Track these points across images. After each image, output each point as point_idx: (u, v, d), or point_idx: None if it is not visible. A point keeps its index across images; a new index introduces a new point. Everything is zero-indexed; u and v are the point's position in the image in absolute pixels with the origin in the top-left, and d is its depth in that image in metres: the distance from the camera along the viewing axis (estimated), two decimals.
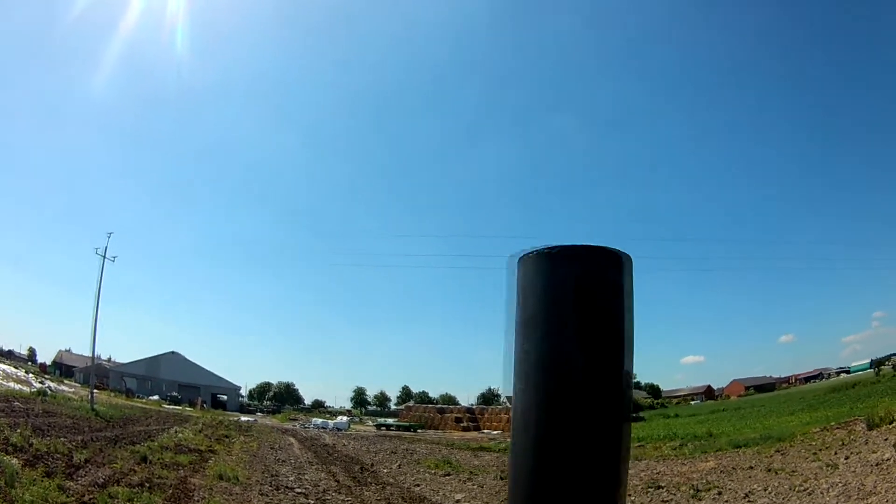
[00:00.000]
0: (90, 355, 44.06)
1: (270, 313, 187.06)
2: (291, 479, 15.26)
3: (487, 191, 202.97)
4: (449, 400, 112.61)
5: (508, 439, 1.10)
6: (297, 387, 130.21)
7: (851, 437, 16.35)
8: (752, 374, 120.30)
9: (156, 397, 69.64)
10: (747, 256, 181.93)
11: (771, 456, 15.97)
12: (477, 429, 66.35)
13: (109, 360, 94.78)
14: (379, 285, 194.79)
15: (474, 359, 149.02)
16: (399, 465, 20.62)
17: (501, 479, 16.14)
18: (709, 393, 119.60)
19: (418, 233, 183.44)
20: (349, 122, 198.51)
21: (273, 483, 14.11)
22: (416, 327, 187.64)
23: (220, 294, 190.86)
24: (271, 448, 25.08)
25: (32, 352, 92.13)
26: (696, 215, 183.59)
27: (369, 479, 16.40)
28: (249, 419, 56.92)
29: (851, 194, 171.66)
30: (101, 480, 10.46)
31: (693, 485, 13.16)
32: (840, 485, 11.25)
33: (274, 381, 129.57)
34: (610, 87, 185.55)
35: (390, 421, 71.69)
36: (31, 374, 50.15)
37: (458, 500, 13.20)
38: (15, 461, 10.24)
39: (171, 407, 60.09)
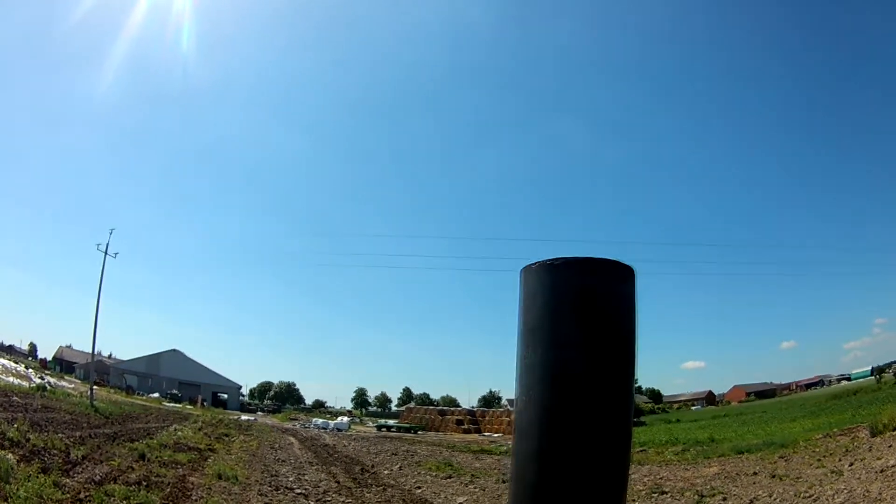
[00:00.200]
0: (91, 351, 44.10)
1: (272, 313, 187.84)
2: (291, 479, 15.15)
3: (491, 193, 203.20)
4: (450, 402, 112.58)
5: (510, 443, 1.11)
6: (298, 386, 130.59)
7: (855, 443, 16.20)
8: (752, 380, 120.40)
9: (156, 395, 69.71)
10: (749, 262, 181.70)
11: (775, 462, 15.83)
12: (478, 431, 66.20)
13: (110, 356, 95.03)
14: (382, 286, 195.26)
15: (476, 361, 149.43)
16: (400, 467, 20.49)
17: (503, 482, 15.99)
18: (710, 398, 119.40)
19: (421, 234, 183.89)
20: (353, 123, 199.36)
21: (273, 483, 13.99)
22: (418, 329, 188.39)
23: (223, 293, 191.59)
24: (271, 447, 24.98)
25: (33, 347, 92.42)
26: (697, 220, 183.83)
27: (370, 481, 16.28)
28: (250, 418, 56.88)
29: (853, 200, 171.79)
30: (98, 478, 10.34)
31: (697, 490, 13.02)
32: (845, 491, 11.10)
33: (275, 381, 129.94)
34: (614, 89, 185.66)
35: (391, 422, 71.59)
36: (30, 370, 50.18)
37: (459, 503, 13.07)
38: (11, 456, 10.10)
39: (172, 405, 60.07)
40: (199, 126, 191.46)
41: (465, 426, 69.69)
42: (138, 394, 67.34)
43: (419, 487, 15.57)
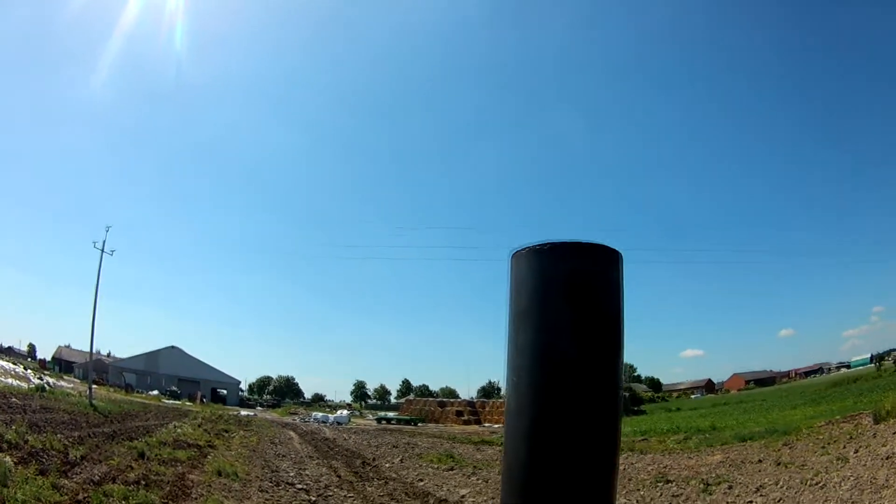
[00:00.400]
0: (89, 350, 43.88)
1: (270, 307, 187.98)
2: (292, 474, 15.03)
3: (488, 183, 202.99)
4: (449, 393, 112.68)
5: None
6: (297, 381, 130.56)
7: (859, 430, 16.10)
8: (751, 368, 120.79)
9: (155, 392, 69.57)
10: (747, 250, 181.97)
11: (779, 449, 15.72)
12: (478, 422, 66.30)
13: (109, 355, 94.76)
14: (379, 279, 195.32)
15: (475, 352, 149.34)
16: (401, 460, 20.39)
17: None
18: (709, 387, 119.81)
19: (418, 224, 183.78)
20: (347, 117, 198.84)
21: (273, 479, 13.87)
22: (416, 321, 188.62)
23: (220, 288, 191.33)
24: (271, 442, 24.88)
25: (32, 348, 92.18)
26: (695, 209, 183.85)
27: (371, 474, 16.17)
28: (249, 413, 56.87)
29: (851, 189, 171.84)
30: (97, 478, 10.19)
31: (702, 479, 12.91)
32: (852, 478, 11.01)
33: (274, 376, 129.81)
34: (608, 83, 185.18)
35: (391, 414, 71.73)
36: (29, 371, 49.91)
37: (463, 496, 12.94)
38: (8, 459, 9.94)
39: (171, 401, 59.99)
40: (195, 123, 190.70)
41: (466, 417, 69.81)
42: (137, 391, 67.16)
43: (421, 480, 15.46)
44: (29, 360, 74.36)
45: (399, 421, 62.55)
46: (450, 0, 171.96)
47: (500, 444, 28.41)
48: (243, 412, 57.31)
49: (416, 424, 59.00)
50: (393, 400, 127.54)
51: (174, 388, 76.44)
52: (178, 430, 22.65)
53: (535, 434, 1.05)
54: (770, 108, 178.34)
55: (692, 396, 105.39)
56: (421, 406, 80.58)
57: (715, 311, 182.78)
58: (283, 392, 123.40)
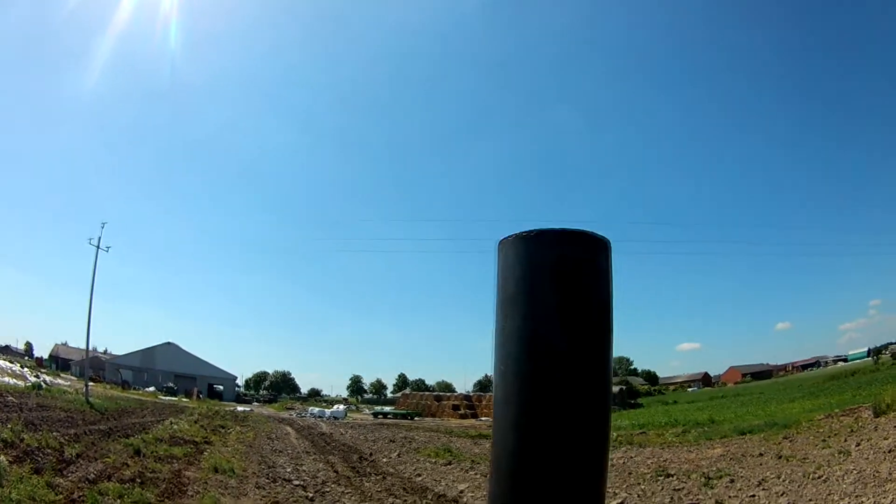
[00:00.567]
0: (85, 348, 43.68)
1: (266, 303, 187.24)
2: (289, 470, 14.90)
3: (484, 176, 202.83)
4: (446, 387, 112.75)
5: None
6: (293, 376, 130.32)
7: (859, 423, 16.08)
8: (748, 361, 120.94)
9: (152, 388, 69.21)
10: (744, 243, 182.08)
11: (779, 443, 15.68)
12: (474, 416, 66.25)
13: (105, 352, 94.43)
14: (374, 273, 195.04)
15: (471, 346, 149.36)
16: (398, 454, 20.30)
17: None
18: (706, 380, 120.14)
19: (413, 218, 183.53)
20: (342, 113, 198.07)
21: (270, 475, 13.74)
22: (412, 315, 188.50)
23: (216, 285, 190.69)
24: (268, 438, 24.75)
25: (29, 346, 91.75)
26: (692, 202, 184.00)
27: (369, 469, 16.05)
28: (246, 409, 56.65)
29: (848, 182, 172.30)
30: (92, 476, 10.05)
31: (703, 472, 12.83)
32: (854, 472, 10.95)
33: (270, 371, 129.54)
34: (607, 82, 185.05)
35: (387, 409, 71.54)
36: (26, 369, 49.66)
37: (461, 491, 12.83)
38: (3, 458, 9.81)
39: (167, 398, 59.69)
40: (191, 121, 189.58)
41: (462, 411, 69.76)
42: (134, 388, 66.87)
43: (419, 475, 15.35)
44: (26, 358, 74.02)
45: (395, 415, 62.40)
46: None
47: None
48: (240, 408, 57.11)
49: (412, 419, 58.94)
50: (389, 394, 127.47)
51: (170, 385, 76.05)
52: (174, 427, 22.49)
53: (523, 422, 1.04)
54: (766, 98, 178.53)
55: (689, 389, 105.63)
56: (417, 400, 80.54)
57: (711, 305, 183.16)
58: (279, 387, 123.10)
